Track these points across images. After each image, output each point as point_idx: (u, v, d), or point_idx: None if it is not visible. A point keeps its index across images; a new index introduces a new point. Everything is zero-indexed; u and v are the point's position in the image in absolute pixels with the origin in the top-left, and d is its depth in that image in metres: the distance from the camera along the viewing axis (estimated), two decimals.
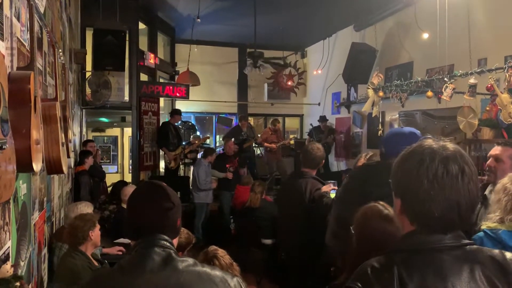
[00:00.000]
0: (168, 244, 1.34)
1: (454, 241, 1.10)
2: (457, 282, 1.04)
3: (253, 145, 9.03)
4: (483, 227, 1.97)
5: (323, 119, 9.02)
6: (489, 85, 4.23)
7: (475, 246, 1.12)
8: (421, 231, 1.12)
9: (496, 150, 2.59)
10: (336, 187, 3.43)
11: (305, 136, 9.99)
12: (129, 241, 3.73)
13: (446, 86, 4.46)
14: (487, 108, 4.79)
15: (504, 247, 1.79)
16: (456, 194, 1.08)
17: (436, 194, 1.08)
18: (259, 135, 9.26)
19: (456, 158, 1.10)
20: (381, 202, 1.83)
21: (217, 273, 1.33)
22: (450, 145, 1.14)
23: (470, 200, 1.10)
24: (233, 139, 8.07)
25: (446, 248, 1.09)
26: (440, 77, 4.73)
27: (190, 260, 1.33)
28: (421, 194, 1.09)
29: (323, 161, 3.57)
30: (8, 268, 1.56)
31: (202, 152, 7.43)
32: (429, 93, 4.90)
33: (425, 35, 6.09)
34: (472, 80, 4.25)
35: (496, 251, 1.12)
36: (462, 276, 1.05)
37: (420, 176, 1.10)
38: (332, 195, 3.34)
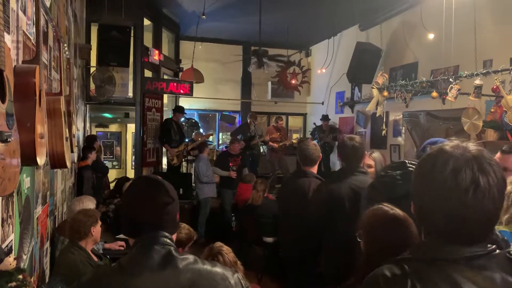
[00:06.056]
0: (168, 240, 1.30)
1: (477, 250, 0.99)
2: None
3: (259, 143, 9.02)
4: None
5: (325, 118, 8.99)
6: (494, 87, 4.20)
7: (497, 251, 1.00)
8: (436, 240, 1.03)
9: (500, 159, 2.49)
10: None
11: (308, 135, 9.98)
12: None
13: (451, 87, 4.44)
14: (492, 110, 4.76)
15: None
16: (464, 209, 0.96)
17: (439, 206, 0.99)
18: (262, 134, 9.23)
19: (472, 168, 0.96)
20: (386, 204, 1.77)
21: (217, 270, 1.29)
22: (472, 149, 1.00)
23: (482, 216, 0.96)
24: (242, 141, 7.97)
25: (463, 259, 0.98)
26: (445, 77, 4.70)
27: (191, 258, 1.29)
28: (427, 202, 1.03)
29: (321, 156, 3.54)
30: (11, 260, 1.56)
31: (198, 149, 7.34)
32: (434, 94, 4.88)
33: (431, 36, 6.06)
34: (477, 81, 4.21)
35: None
36: None
37: (428, 183, 1.02)
38: None
